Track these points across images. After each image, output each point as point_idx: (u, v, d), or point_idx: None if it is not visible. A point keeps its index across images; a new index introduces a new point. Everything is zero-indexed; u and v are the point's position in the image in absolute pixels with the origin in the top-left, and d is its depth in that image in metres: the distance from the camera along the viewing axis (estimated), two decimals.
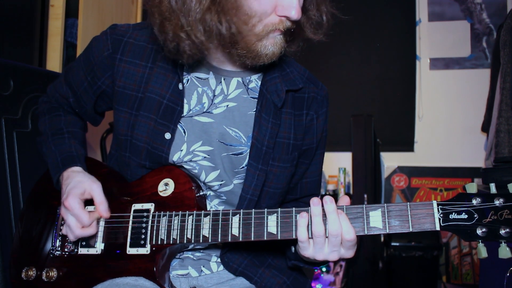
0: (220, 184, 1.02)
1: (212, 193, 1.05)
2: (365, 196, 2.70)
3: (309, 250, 0.85)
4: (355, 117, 2.70)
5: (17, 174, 1.27)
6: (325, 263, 0.90)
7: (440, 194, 3.55)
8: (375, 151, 2.79)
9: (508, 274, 1.59)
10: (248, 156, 1.00)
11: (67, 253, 1.03)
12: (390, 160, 3.66)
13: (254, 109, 1.02)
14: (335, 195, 3.53)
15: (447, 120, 3.57)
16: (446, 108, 3.57)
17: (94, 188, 0.99)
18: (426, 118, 3.61)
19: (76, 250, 1.02)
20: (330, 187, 3.63)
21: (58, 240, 1.04)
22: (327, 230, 0.82)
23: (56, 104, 1.18)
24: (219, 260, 1.07)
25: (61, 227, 1.04)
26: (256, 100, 1.03)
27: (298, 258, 0.97)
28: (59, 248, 1.03)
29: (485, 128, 3.00)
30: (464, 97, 3.52)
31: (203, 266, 1.06)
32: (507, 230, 0.74)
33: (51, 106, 1.18)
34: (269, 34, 0.89)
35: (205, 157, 1.00)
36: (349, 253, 0.84)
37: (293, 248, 0.98)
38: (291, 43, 1.01)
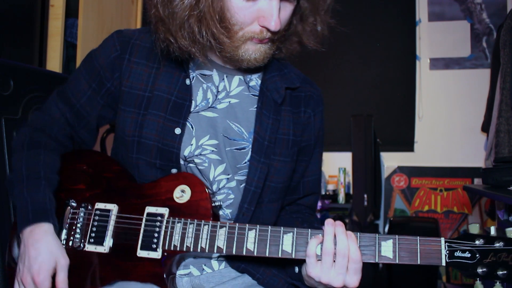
0: (227, 179, 1.04)
1: (222, 203, 1.06)
2: (365, 196, 2.70)
3: (316, 269, 0.88)
4: (355, 117, 2.71)
5: None
6: None
7: (440, 194, 3.55)
8: (375, 151, 2.80)
9: None
10: (250, 151, 1.04)
11: (72, 247, 1.00)
12: (390, 160, 3.66)
13: (255, 106, 1.06)
14: (335, 195, 3.54)
15: (447, 120, 3.57)
16: (446, 108, 3.58)
17: (62, 265, 0.93)
18: (426, 118, 3.61)
19: (82, 246, 1.00)
20: (330, 187, 3.62)
21: (63, 233, 1.02)
22: (336, 251, 0.86)
23: (38, 138, 1.06)
24: (220, 258, 1.07)
25: (68, 220, 1.02)
26: (257, 97, 1.07)
27: (300, 279, 0.99)
28: (64, 242, 1.01)
29: (485, 128, 3.00)
30: (464, 97, 3.52)
31: (205, 265, 1.06)
32: (504, 272, 0.81)
33: (32, 140, 1.05)
34: (247, 41, 0.94)
35: (212, 150, 1.03)
36: (354, 280, 0.87)
37: (296, 269, 0.99)
38: (286, 46, 1.07)
